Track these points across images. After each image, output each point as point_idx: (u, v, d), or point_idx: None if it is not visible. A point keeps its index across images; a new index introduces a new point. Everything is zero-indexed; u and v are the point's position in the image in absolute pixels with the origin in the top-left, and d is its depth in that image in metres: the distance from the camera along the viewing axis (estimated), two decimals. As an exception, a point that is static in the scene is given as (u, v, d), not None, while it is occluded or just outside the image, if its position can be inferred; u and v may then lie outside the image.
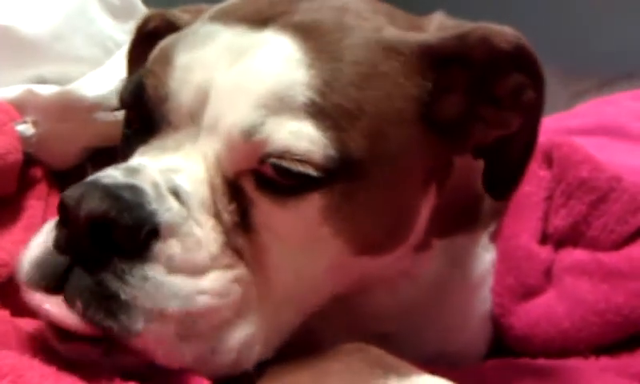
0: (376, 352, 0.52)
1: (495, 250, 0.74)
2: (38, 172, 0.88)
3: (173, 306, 0.47)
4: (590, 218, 0.77)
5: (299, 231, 0.53)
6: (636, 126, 1.01)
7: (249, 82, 0.52)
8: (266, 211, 0.52)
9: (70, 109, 0.89)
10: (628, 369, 0.67)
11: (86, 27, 0.95)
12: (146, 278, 0.47)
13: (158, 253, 0.48)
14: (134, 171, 0.51)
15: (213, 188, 0.52)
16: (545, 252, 0.76)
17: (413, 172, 0.58)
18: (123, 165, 0.53)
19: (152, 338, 0.47)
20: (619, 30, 2.48)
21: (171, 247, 0.48)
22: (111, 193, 0.47)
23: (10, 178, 0.82)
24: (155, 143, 0.55)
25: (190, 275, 0.49)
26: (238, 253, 0.52)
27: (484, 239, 0.72)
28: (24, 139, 0.86)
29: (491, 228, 0.73)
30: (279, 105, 0.51)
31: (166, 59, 0.56)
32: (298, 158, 0.50)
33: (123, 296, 0.46)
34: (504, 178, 0.65)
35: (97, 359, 0.47)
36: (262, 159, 0.51)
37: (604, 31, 2.50)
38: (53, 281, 0.48)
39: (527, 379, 0.63)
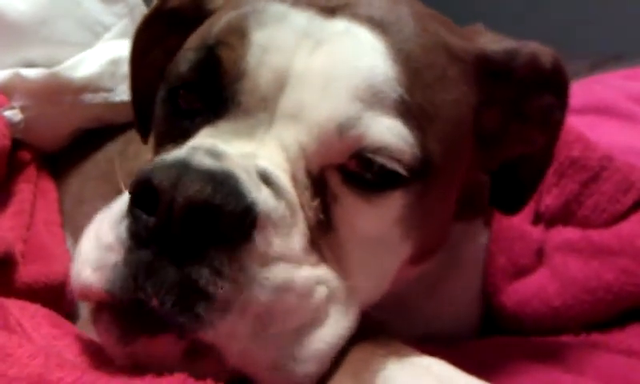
0: (381, 334, 0.52)
1: (489, 233, 0.74)
2: (26, 155, 0.88)
3: (259, 299, 0.44)
4: (581, 197, 0.77)
5: (378, 228, 0.51)
6: (626, 105, 1.01)
7: (341, 71, 0.49)
8: (350, 207, 0.50)
9: (57, 91, 0.88)
10: (619, 345, 0.67)
11: (73, 10, 0.94)
12: (242, 269, 0.43)
13: (259, 242, 0.44)
14: (219, 156, 0.46)
15: (295, 181, 0.49)
16: (537, 232, 0.77)
17: (460, 177, 0.57)
18: (200, 146, 0.47)
19: (225, 332, 0.43)
20: (608, 12, 2.48)
21: (270, 236, 0.45)
22: (213, 177, 0.43)
23: (-1, 163, 0.81)
24: (223, 126, 0.50)
25: (287, 263, 0.46)
26: (320, 252, 0.49)
27: (480, 223, 0.72)
28: (12, 125, 0.85)
29: (487, 212, 0.73)
30: (374, 99, 0.48)
31: (241, 33, 0.51)
32: (392, 155, 0.48)
33: (212, 289, 0.42)
34: (515, 194, 0.65)
35: (173, 362, 0.44)
36: (355, 154, 0.49)
37: (593, 14, 2.51)
38: (130, 286, 0.43)
39: (518, 356, 0.63)
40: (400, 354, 0.48)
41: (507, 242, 0.75)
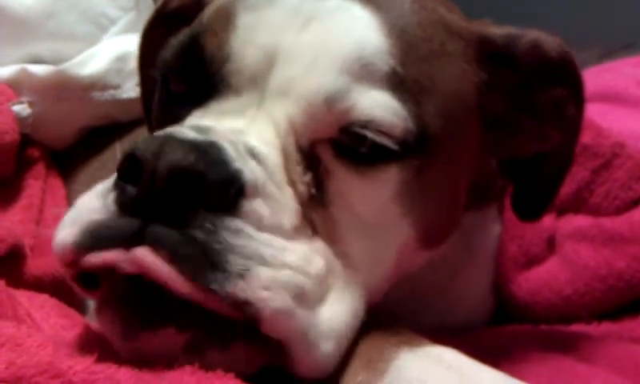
0: (393, 324, 0.51)
1: (502, 222, 0.73)
2: (35, 152, 0.88)
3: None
4: (592, 185, 0.77)
5: (374, 204, 0.50)
6: (636, 92, 1.00)
7: (330, 45, 0.49)
8: (343, 181, 0.49)
9: (65, 88, 0.89)
10: (631, 333, 0.66)
11: (78, 4, 0.94)
12: (239, 231, 0.42)
13: (248, 211, 0.44)
14: (204, 130, 0.46)
15: (286, 156, 0.49)
16: (548, 220, 0.76)
17: (467, 158, 0.57)
18: (186, 124, 0.48)
19: (262, 283, 0.42)
20: (619, 1, 2.46)
21: (259, 207, 0.44)
22: (196, 146, 0.42)
23: (8, 158, 0.82)
24: (213, 106, 0.51)
25: (279, 236, 0.45)
26: (313, 227, 0.48)
27: (494, 212, 0.71)
28: (20, 120, 0.86)
29: (501, 201, 0.73)
30: (363, 72, 0.48)
31: (227, 18, 0.52)
32: (381, 129, 0.48)
33: (217, 246, 0.41)
34: (534, 198, 0.65)
35: (176, 353, 0.43)
36: (344, 128, 0.48)
37: (604, 2, 2.49)
38: (121, 242, 0.41)
39: (529, 345, 0.62)
40: (412, 344, 0.48)
41: (518, 231, 0.74)
